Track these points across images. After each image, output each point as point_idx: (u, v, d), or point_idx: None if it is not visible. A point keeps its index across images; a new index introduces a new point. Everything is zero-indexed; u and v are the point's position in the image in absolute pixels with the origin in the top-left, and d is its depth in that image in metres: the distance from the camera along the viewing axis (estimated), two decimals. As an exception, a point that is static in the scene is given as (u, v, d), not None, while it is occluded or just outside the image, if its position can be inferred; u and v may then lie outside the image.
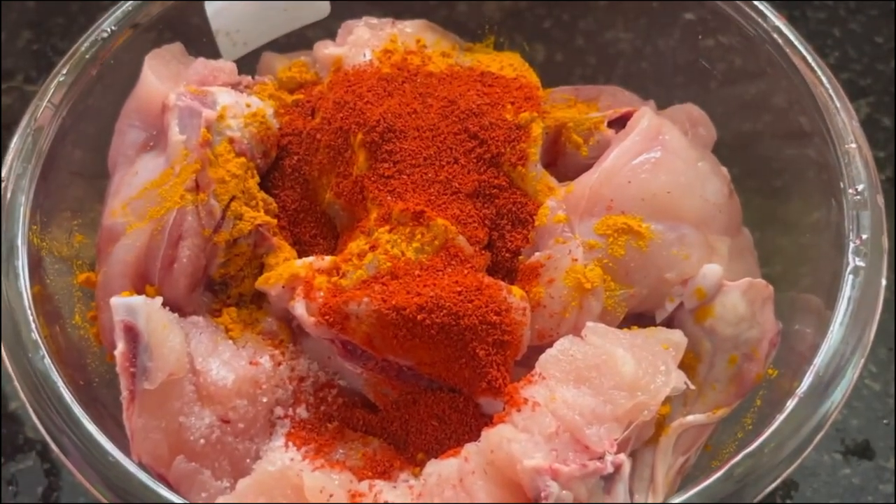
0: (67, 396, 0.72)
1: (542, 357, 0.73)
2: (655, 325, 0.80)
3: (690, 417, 0.78)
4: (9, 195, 0.79)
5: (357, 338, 0.75)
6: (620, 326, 0.78)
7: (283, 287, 0.78)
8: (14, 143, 0.81)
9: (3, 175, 0.80)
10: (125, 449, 0.72)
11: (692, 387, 0.76)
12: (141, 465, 0.71)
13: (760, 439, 0.70)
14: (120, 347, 0.73)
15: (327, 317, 0.75)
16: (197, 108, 0.81)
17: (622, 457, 0.69)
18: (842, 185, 0.79)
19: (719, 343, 0.79)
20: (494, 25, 1.02)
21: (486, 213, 0.81)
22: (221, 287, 0.82)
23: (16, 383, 0.73)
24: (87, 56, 0.85)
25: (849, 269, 0.75)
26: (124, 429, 0.73)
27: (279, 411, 0.77)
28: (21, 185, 0.79)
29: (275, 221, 0.83)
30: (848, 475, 0.99)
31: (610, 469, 0.68)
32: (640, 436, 0.75)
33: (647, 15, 0.98)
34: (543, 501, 0.66)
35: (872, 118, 1.20)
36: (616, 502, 0.69)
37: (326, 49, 0.90)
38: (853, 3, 1.28)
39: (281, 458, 0.73)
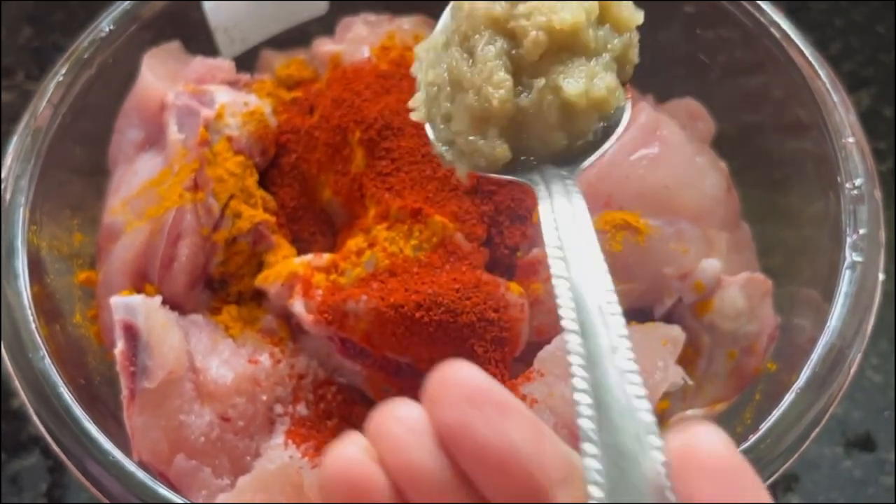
0: (67, 396, 0.72)
1: (541, 353, 0.73)
2: (654, 320, 0.80)
3: (689, 412, 0.79)
4: (8, 196, 0.79)
5: (356, 335, 0.75)
6: (619, 322, 0.78)
7: (282, 285, 0.78)
8: (13, 144, 0.81)
9: (2, 176, 0.80)
10: (126, 447, 0.72)
11: (690, 382, 0.76)
12: (141, 464, 0.72)
13: (757, 434, 0.70)
14: (119, 346, 0.73)
15: (326, 315, 0.75)
16: (195, 107, 0.82)
17: (620, 453, 0.69)
18: (839, 179, 0.79)
19: (718, 338, 0.79)
20: (494, 19, 1.01)
21: (485, 210, 0.81)
22: (221, 285, 0.82)
23: (16, 383, 0.73)
24: (85, 56, 0.85)
25: (846, 263, 0.75)
26: (125, 427, 0.74)
27: (279, 409, 0.77)
28: (20, 185, 0.79)
29: (274, 219, 0.83)
30: (849, 468, 0.99)
31: (608, 465, 0.68)
32: (638, 431, 0.75)
33: (646, 7, 0.98)
34: (541, 498, 0.66)
35: (874, 109, 1.20)
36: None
37: (324, 46, 0.90)
38: (854, -7, 1.27)
39: (280, 455, 0.73)
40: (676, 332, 0.77)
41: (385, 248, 0.77)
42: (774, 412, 0.71)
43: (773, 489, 0.97)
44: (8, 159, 0.81)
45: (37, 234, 0.80)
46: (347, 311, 0.74)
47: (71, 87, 0.84)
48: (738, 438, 0.74)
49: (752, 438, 0.70)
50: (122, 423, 0.74)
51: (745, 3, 0.87)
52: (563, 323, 0.50)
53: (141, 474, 0.69)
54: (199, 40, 0.93)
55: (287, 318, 0.81)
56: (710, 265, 0.79)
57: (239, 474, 0.73)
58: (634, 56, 0.67)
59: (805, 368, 0.73)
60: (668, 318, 0.80)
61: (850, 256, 0.75)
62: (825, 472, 0.99)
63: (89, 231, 0.86)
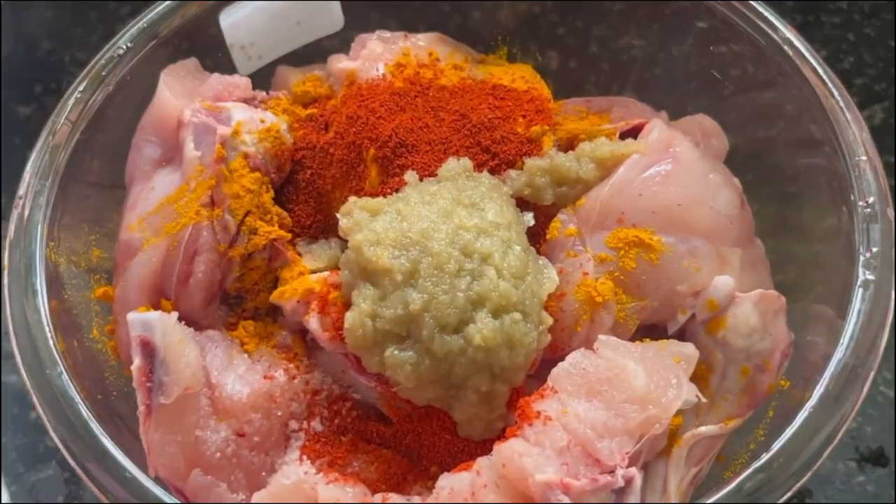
0: (85, 412, 0.72)
1: (555, 370, 0.74)
2: (667, 337, 0.80)
3: (703, 429, 0.78)
4: (27, 213, 0.80)
5: (370, 352, 0.75)
6: (632, 339, 0.78)
7: (298, 302, 0.79)
8: (31, 161, 0.82)
9: (20, 193, 0.81)
10: (142, 462, 0.73)
11: (704, 400, 0.76)
12: (158, 479, 0.72)
13: (771, 453, 0.70)
14: (136, 362, 0.74)
15: (341, 332, 0.75)
16: (212, 125, 0.82)
17: (633, 470, 0.69)
18: (852, 197, 0.79)
19: (731, 354, 0.79)
20: (508, 34, 1.02)
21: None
22: (237, 301, 0.83)
23: (34, 398, 0.74)
24: (103, 73, 0.86)
25: (859, 282, 0.75)
26: (142, 442, 0.74)
27: (294, 424, 0.77)
28: (39, 202, 0.80)
29: (289, 235, 0.84)
30: (862, 482, 0.99)
31: (621, 483, 0.68)
32: (651, 448, 0.75)
33: (660, 22, 0.98)
34: (555, 516, 0.66)
35: (888, 123, 1.20)
36: (627, 516, 0.69)
37: (340, 63, 0.91)
38: (868, 7, 1.27)
39: (296, 471, 0.74)
40: (690, 350, 0.77)
41: (399, 265, 0.77)
42: (787, 430, 0.71)
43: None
44: (27, 176, 0.82)
45: (55, 250, 0.81)
46: (362, 327, 0.75)
47: (89, 104, 0.85)
48: (752, 455, 0.75)
49: (764, 458, 0.70)
50: (138, 438, 0.74)
51: (757, 20, 0.87)
52: None
53: (157, 490, 0.70)
54: (216, 57, 0.93)
55: (302, 333, 0.81)
56: (724, 282, 0.79)
57: (254, 490, 0.74)
58: None
59: (818, 386, 0.73)
60: (682, 335, 0.80)
61: (863, 275, 0.75)
62: (838, 486, 0.99)
63: (107, 246, 0.86)
